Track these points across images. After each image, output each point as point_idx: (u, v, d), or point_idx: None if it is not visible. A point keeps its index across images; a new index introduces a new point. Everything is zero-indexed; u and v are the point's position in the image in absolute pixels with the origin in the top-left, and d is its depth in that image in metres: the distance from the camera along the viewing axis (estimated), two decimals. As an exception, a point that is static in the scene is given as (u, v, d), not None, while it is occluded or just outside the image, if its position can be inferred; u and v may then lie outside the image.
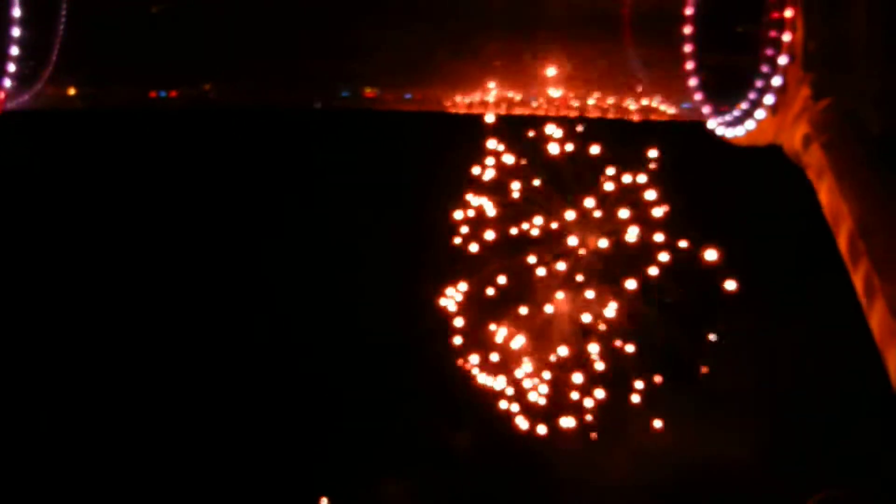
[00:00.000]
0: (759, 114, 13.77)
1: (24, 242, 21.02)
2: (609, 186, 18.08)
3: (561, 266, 18.61)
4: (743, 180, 18.30)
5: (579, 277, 18.56)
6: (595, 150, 17.74)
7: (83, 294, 21.94)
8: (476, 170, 18.23)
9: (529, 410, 19.24)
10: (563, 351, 18.68)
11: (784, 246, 19.69)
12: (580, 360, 18.90)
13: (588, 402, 18.86)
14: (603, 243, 18.23)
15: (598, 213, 18.57)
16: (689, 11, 14.03)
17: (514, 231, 18.81)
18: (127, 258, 21.98)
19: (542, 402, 19.10)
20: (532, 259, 18.66)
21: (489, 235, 18.66)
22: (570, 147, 17.70)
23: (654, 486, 20.59)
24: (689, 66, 14.24)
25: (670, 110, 15.19)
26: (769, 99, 13.64)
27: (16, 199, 20.46)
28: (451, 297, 19.04)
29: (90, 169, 21.26)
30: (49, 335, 21.64)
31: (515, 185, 18.74)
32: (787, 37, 13.35)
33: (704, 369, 19.02)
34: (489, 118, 16.98)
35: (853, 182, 11.88)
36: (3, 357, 20.59)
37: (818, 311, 19.14)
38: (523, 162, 18.63)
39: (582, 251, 18.60)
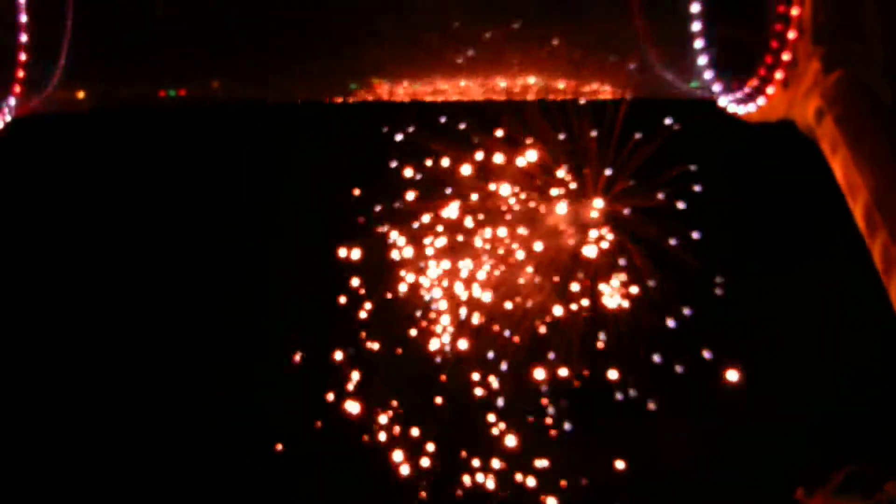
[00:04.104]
0: (770, 89, 13.79)
1: (40, 248, 21.12)
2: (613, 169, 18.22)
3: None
4: (754, 157, 18.30)
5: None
6: (604, 131, 17.82)
7: (92, 288, 21.91)
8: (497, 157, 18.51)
9: None
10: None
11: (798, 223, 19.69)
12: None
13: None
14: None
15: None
16: (696, -10, 14.01)
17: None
18: (138, 258, 22.00)
19: None
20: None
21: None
22: (581, 129, 17.80)
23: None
24: (698, 44, 14.25)
25: (681, 88, 15.22)
26: (779, 74, 13.65)
27: (29, 205, 20.55)
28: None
29: (100, 169, 21.31)
30: (53, 335, 21.62)
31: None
32: (795, 11, 13.36)
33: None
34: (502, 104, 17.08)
35: (868, 153, 11.90)
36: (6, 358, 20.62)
37: (833, 286, 19.12)
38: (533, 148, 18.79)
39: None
